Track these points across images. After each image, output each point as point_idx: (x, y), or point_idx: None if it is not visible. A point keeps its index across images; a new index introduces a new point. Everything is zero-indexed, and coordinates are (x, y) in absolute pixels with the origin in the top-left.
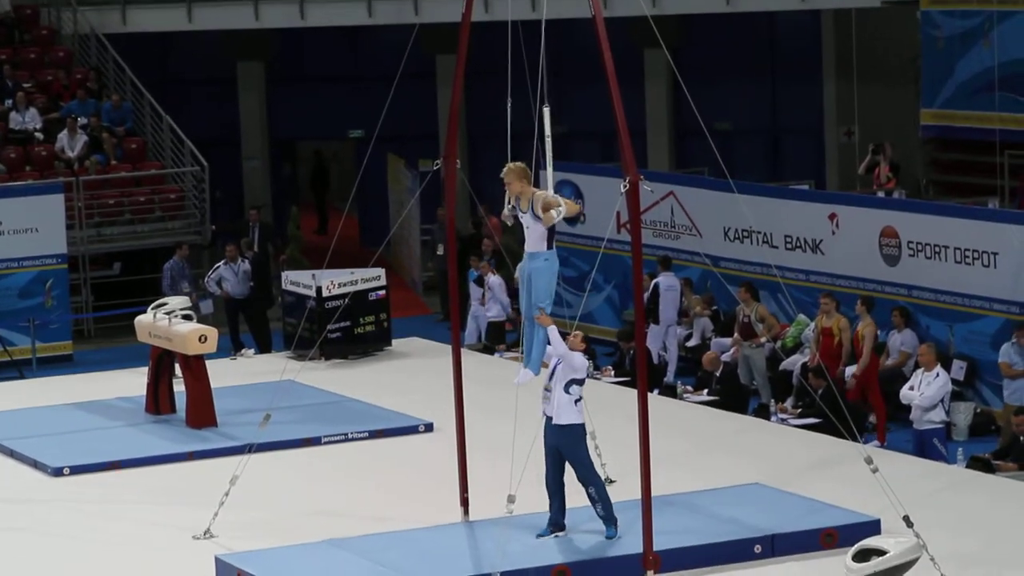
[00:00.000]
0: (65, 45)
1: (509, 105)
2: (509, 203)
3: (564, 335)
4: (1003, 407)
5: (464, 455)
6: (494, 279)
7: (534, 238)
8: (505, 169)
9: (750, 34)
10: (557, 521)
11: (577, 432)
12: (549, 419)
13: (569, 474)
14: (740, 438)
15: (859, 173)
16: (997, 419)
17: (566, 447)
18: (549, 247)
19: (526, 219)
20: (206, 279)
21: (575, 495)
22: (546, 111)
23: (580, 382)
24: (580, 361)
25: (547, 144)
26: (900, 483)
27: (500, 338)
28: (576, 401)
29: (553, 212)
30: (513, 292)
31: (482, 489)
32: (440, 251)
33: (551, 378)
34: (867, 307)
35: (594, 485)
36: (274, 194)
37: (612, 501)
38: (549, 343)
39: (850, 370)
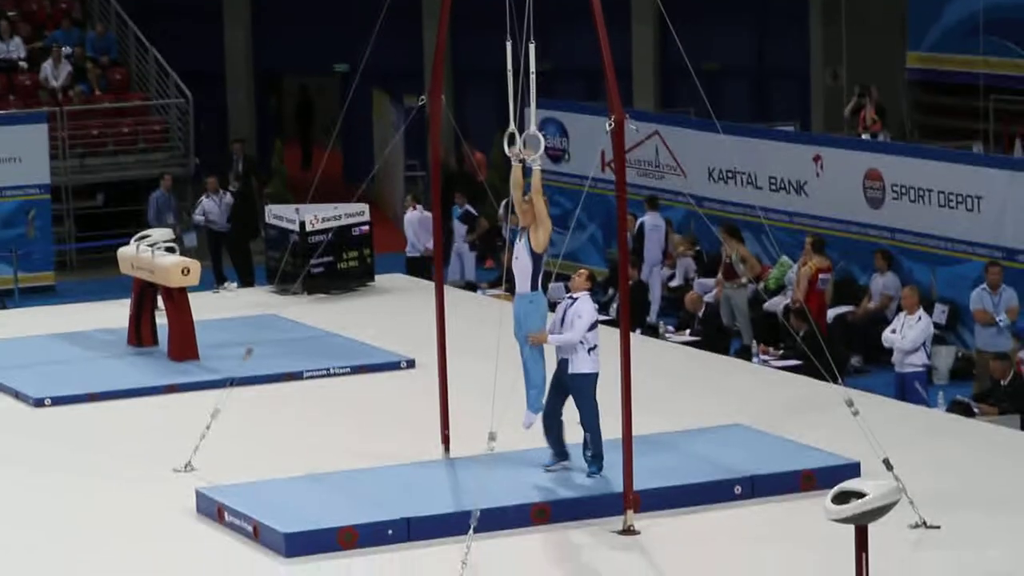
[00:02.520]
0: None
1: (509, 46)
2: (512, 147)
3: (567, 277)
4: (976, 352)
5: (446, 392)
6: (411, 215)
7: (521, 273)
8: (525, 206)
9: None
10: (560, 452)
11: (591, 381)
12: (564, 362)
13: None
14: (721, 379)
15: (845, 116)
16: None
17: (577, 393)
18: (534, 288)
19: (517, 248)
20: (194, 214)
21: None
22: (531, 48)
23: (593, 326)
24: (587, 308)
25: (532, 81)
26: (880, 426)
27: (418, 274)
28: (591, 349)
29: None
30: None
31: (463, 426)
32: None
33: (562, 324)
34: (814, 247)
35: (592, 432)
36: (259, 128)
37: None
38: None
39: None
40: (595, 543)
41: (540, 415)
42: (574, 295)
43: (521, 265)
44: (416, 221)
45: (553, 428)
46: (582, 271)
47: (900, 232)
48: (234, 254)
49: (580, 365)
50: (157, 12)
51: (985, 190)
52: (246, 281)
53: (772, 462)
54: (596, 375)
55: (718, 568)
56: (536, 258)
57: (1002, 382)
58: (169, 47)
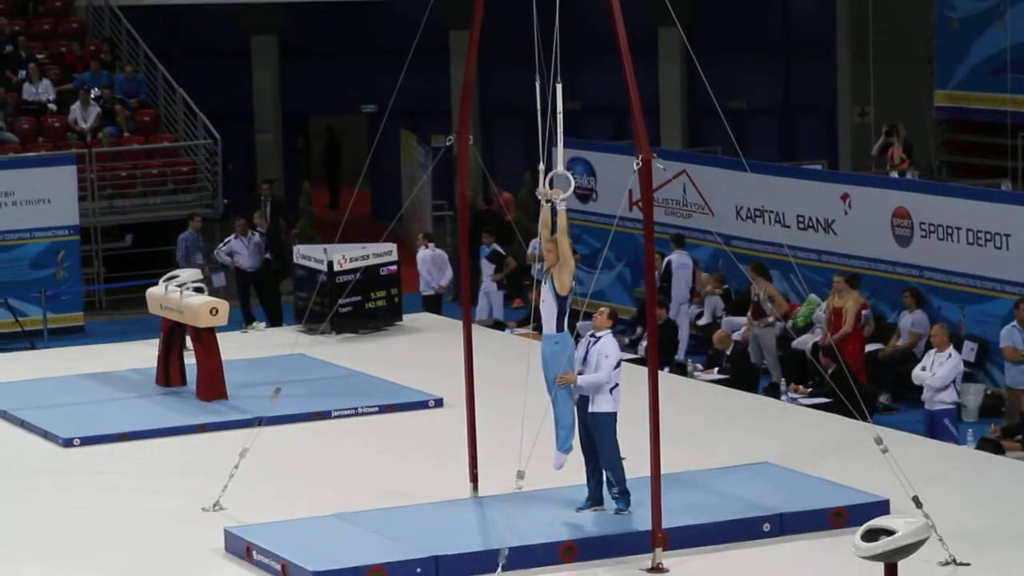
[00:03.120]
0: (79, 16)
1: (538, 84)
2: (541, 187)
3: (589, 315)
4: (1006, 390)
5: (474, 431)
6: (423, 253)
7: (547, 315)
8: (549, 245)
9: (764, 12)
10: (596, 496)
11: (611, 420)
12: (584, 400)
13: None
14: (750, 417)
15: (873, 155)
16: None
17: (596, 431)
18: (559, 329)
19: (543, 291)
20: (216, 251)
21: (576, 473)
22: (559, 88)
23: (616, 365)
24: (612, 348)
25: (559, 121)
26: (910, 463)
27: (433, 312)
28: (612, 388)
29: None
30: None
31: (491, 465)
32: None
33: (584, 362)
34: (850, 284)
35: (613, 471)
36: (286, 168)
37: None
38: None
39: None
40: None
41: (570, 455)
42: (597, 334)
43: (547, 308)
44: (429, 259)
45: (594, 470)
46: (603, 309)
47: (928, 270)
48: (262, 294)
49: (601, 404)
50: (185, 54)
51: (1013, 227)
52: (274, 320)
53: (801, 499)
54: (616, 414)
55: None
56: (561, 300)
57: None
58: (197, 88)
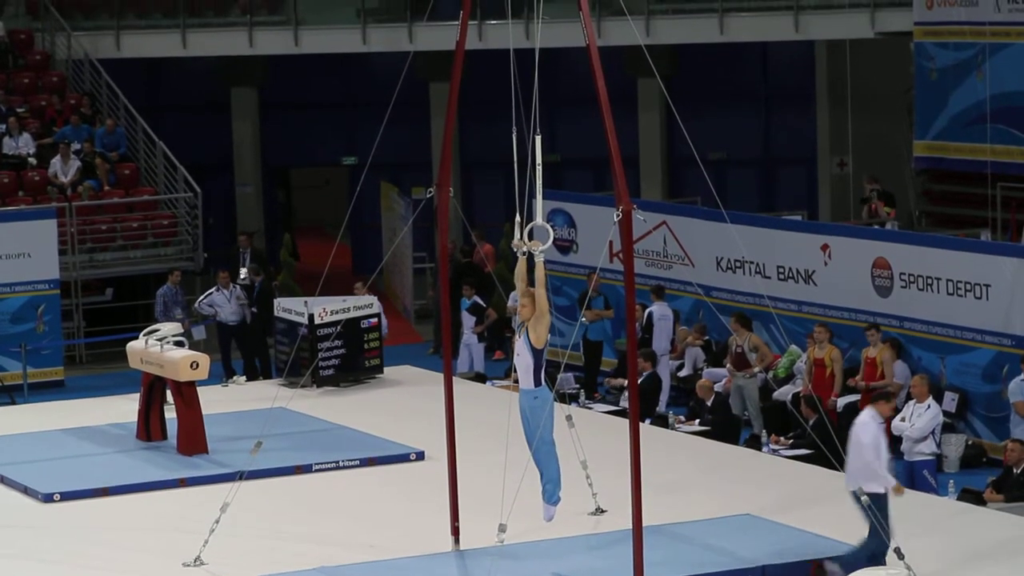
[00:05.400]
0: (59, 70)
1: (515, 135)
2: (519, 239)
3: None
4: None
5: (455, 484)
6: None
7: (523, 369)
8: (525, 299)
9: (744, 64)
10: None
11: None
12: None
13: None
14: (731, 468)
15: (863, 216)
16: (989, 452)
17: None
18: (537, 383)
19: (518, 345)
20: (198, 303)
21: (559, 526)
22: (537, 140)
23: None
24: (863, 432)
25: (538, 172)
26: (891, 515)
27: None
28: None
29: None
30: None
31: (473, 518)
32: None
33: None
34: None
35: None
36: (267, 221)
37: (605, 532)
38: None
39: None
40: None
41: (557, 507)
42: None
43: (523, 362)
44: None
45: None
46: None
47: (909, 320)
48: (244, 347)
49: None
50: (165, 107)
51: (993, 278)
52: (265, 373)
53: (783, 552)
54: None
55: None
56: (537, 353)
57: (1015, 470)
58: (177, 141)
